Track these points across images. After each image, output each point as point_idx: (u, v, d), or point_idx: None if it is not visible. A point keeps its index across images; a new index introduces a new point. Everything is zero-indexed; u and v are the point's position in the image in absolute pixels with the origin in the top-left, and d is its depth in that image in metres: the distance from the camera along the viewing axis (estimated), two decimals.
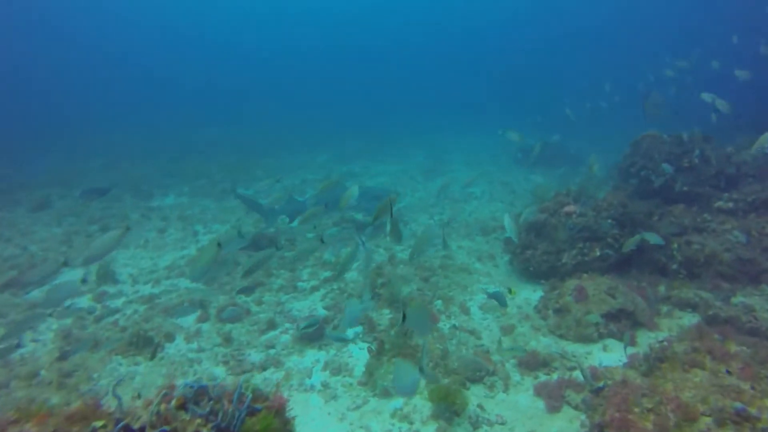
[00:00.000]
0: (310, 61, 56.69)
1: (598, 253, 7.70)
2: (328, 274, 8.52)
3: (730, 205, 8.71)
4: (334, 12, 58.51)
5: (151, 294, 7.97)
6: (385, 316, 6.85)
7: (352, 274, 8.38)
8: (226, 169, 17.39)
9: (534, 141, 18.18)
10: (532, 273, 8.03)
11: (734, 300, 6.67)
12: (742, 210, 8.58)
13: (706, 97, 9.18)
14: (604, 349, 5.97)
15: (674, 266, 7.54)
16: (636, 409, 3.43)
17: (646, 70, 19.15)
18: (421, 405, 4.94)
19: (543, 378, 5.40)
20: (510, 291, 6.04)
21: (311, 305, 7.53)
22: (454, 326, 6.58)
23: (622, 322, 6.25)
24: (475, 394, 5.14)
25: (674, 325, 6.38)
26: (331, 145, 22.58)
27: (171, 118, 32.57)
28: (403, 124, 28.38)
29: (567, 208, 8.26)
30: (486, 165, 17.97)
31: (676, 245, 7.68)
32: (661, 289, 7.17)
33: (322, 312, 7.30)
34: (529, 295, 7.51)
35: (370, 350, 5.75)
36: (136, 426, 2.01)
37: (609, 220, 7.80)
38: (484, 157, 19.65)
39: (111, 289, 8.20)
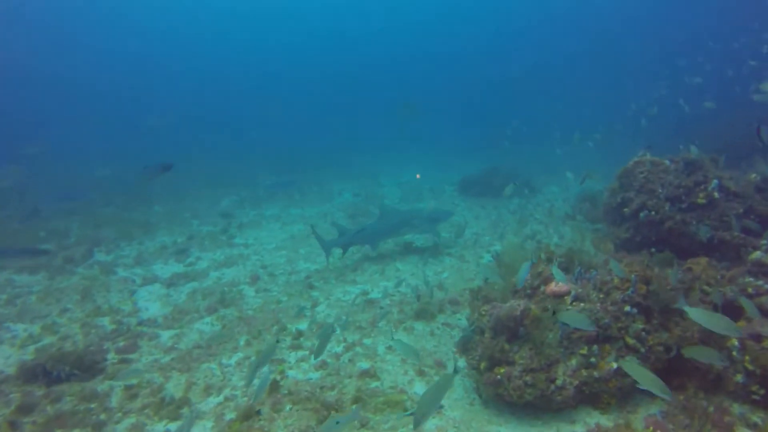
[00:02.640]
0: (226, 81, 52.32)
1: (614, 365, 4.54)
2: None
3: None
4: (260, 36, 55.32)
5: None
6: None
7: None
8: (92, 225, 13.16)
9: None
10: (508, 404, 4.74)
11: None
12: None
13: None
14: None
15: (739, 379, 4.52)
16: None
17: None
18: None
19: None
20: None
21: None
22: None
23: None
24: None
25: None
26: (241, 182, 18.80)
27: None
28: (332, 154, 25.07)
29: (553, 287, 5.12)
30: (427, 201, 14.94)
31: (735, 341, 4.69)
32: None
33: None
34: None
35: None
36: None
37: (627, 306, 4.71)
38: (424, 190, 16.66)
39: None
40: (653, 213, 6.67)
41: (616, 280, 4.85)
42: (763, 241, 6.24)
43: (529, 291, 5.30)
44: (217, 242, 11.43)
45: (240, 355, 6.10)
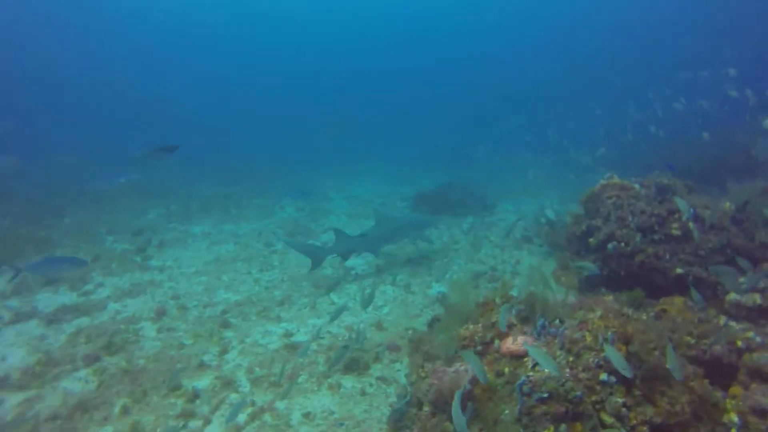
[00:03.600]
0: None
1: None
2: None
3: (757, 299, 5.20)
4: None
5: None
6: None
7: None
8: None
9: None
10: None
11: None
12: None
13: None
14: None
15: None
16: None
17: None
18: None
19: None
20: None
21: None
22: None
23: None
24: None
25: None
26: (179, 191, 17.02)
27: None
28: (281, 165, 23.55)
29: (510, 344, 4.03)
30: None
31: (734, 416, 3.75)
32: None
33: None
34: None
35: None
36: None
37: (604, 374, 3.68)
38: (375, 206, 15.50)
39: None
40: (623, 245, 5.79)
41: (588, 338, 3.82)
42: (742, 280, 5.47)
43: (479, 348, 4.19)
44: (127, 265, 9.74)
45: (109, 429, 4.63)
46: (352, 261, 9.41)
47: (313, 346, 6.12)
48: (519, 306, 4.36)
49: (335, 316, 5.36)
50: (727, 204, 6.09)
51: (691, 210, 5.65)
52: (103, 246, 11.19)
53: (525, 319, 4.32)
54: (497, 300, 4.63)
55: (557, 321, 4.06)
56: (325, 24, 52.33)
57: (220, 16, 48.89)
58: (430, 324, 5.30)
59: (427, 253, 10.11)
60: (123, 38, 46.45)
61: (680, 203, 5.21)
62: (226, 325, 6.98)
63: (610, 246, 5.84)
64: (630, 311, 4.62)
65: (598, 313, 4.05)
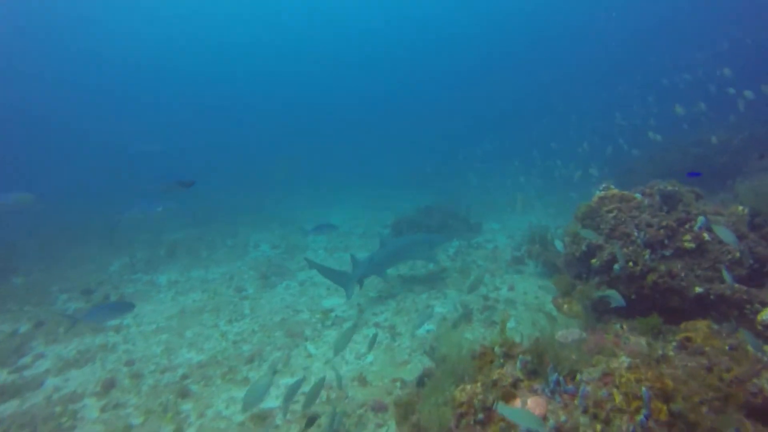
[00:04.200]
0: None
1: None
2: None
3: None
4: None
5: None
6: None
7: None
8: None
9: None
10: None
11: None
12: None
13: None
14: None
15: None
16: None
17: None
18: None
19: None
20: None
21: None
22: None
23: None
24: None
25: None
26: (146, 235, 15.91)
27: None
28: (252, 196, 22.65)
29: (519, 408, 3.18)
30: (355, 249, 12.93)
31: None
32: None
33: None
34: None
35: None
36: None
37: None
38: (354, 236, 14.67)
39: None
40: (631, 264, 5.04)
41: (617, 397, 3.00)
42: None
43: (480, 416, 3.33)
44: (77, 328, 8.64)
45: None
46: (331, 301, 8.53)
47: (287, 412, 5.17)
48: (525, 357, 3.52)
49: (291, 392, 4.45)
50: (740, 207, 5.44)
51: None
52: (52, 307, 10.06)
53: (533, 373, 3.49)
54: (496, 349, 3.79)
55: (576, 377, 3.23)
56: (304, 46, 52.56)
57: (188, 42, 48.58)
58: (420, 381, 4.43)
59: (412, 285, 9.27)
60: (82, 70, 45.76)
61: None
62: (185, 394, 5.98)
63: (616, 267, 5.09)
64: (660, 350, 3.87)
65: (624, 361, 3.24)
